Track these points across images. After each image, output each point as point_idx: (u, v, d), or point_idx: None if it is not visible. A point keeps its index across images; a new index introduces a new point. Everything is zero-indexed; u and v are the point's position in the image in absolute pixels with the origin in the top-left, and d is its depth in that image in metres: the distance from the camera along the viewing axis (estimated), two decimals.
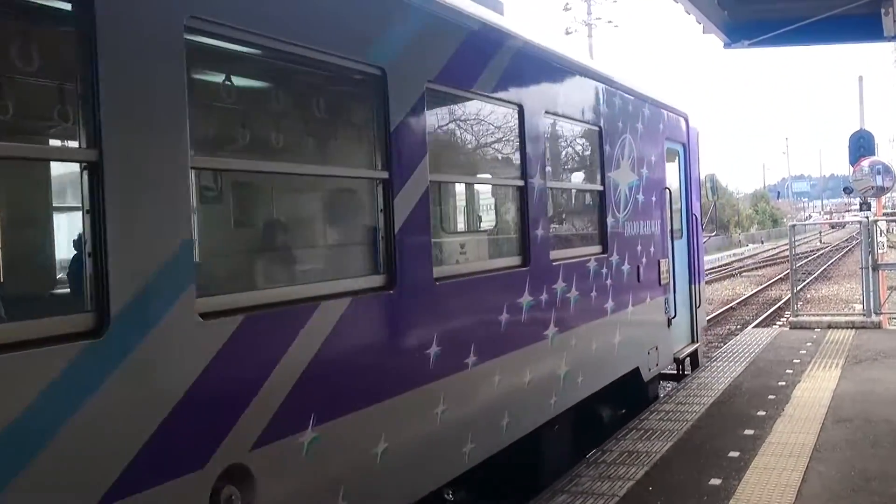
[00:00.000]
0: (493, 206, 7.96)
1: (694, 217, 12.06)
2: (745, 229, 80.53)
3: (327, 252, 5.70)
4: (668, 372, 11.39)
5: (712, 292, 28.83)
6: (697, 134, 12.52)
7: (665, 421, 8.66)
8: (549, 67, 7.69)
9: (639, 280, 9.40)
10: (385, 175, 5.08)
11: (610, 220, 8.68)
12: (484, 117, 7.02)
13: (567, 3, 45.35)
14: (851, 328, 14.73)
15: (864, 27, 10.21)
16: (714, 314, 22.25)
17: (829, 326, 14.96)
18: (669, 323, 10.61)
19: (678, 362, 11.58)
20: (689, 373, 11.74)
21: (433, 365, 5.51)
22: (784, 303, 22.83)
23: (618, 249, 8.80)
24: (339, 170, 5.47)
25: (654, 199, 10.14)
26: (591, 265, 8.18)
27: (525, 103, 6.93)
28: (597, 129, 8.63)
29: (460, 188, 7.80)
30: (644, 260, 9.58)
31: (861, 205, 18.46)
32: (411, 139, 5.32)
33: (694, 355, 12.11)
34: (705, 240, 13.48)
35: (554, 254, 7.38)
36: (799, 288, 17.59)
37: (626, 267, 9.06)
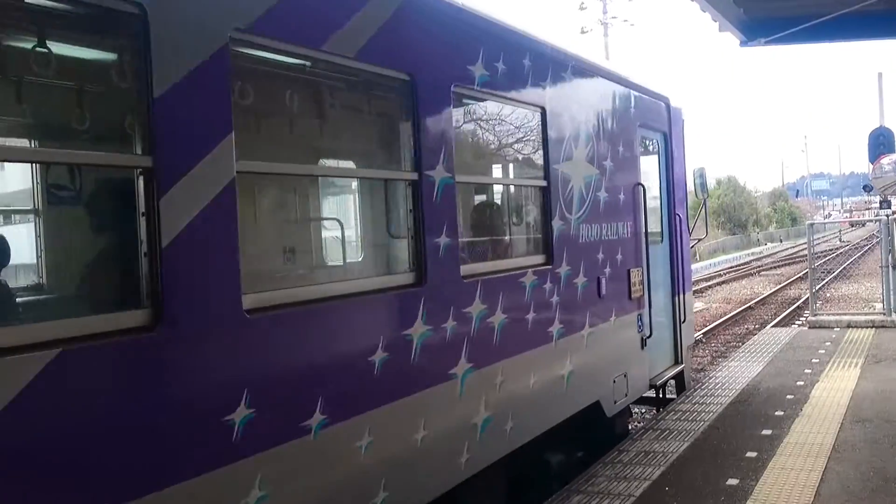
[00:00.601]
0: (366, 206, 6.31)
1: (678, 218, 10.25)
2: (763, 228, 79.94)
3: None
4: (648, 395, 9.64)
5: (730, 292, 28.68)
6: (683, 122, 10.58)
7: (682, 421, 8.63)
8: (461, 28, 5.78)
9: (600, 295, 7.71)
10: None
11: (557, 223, 6.95)
12: (361, 91, 5.56)
13: (583, 3, 45.19)
14: (871, 327, 14.59)
15: (882, 23, 10.12)
16: (732, 314, 22.12)
17: (849, 326, 14.83)
18: (644, 343, 8.80)
19: (658, 389, 9.63)
20: (675, 397, 10.09)
21: (240, 438, 3.81)
22: (803, 302, 22.65)
23: (569, 259, 7.09)
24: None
25: (622, 197, 8.37)
26: (527, 280, 6.47)
27: (419, 74, 5.23)
28: (538, 110, 6.86)
29: (322, 183, 6.36)
30: (608, 270, 7.87)
31: (881, 202, 18.29)
32: None
33: (679, 377, 10.30)
34: (692, 244, 11.62)
35: (468, 268, 5.75)
36: (818, 287, 17.42)
37: (581, 280, 7.35)
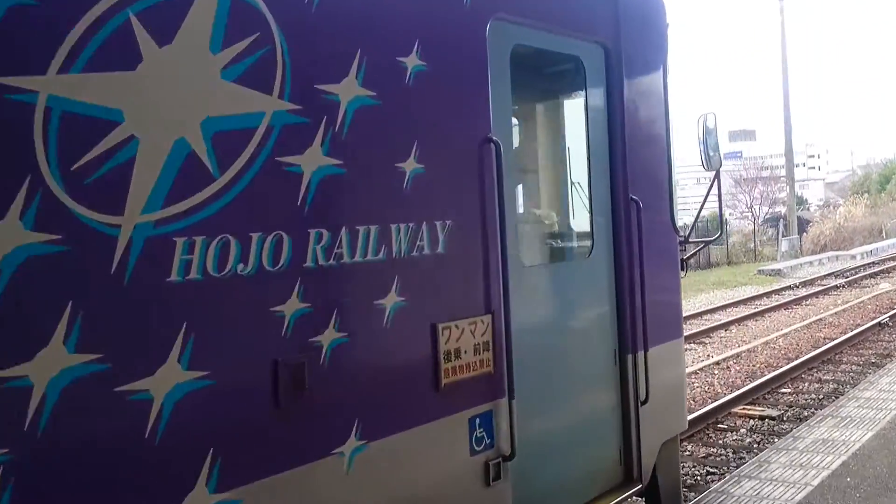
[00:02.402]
0: None
1: (635, 207, 5.23)
2: None
3: None
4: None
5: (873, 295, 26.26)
6: (665, 26, 5.78)
7: (864, 409, 7.99)
8: None
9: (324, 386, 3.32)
10: None
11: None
12: None
13: None
14: None
15: None
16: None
17: None
18: (496, 473, 4.19)
19: None
20: None
21: None
22: None
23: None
24: None
25: (417, 173, 3.78)
26: None
27: None
28: None
29: None
30: (339, 338, 3.37)
31: None
32: None
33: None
34: (688, 251, 6.59)
35: None
36: None
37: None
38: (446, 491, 3.95)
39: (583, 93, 5.18)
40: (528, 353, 4.49)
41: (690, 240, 6.43)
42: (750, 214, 55.83)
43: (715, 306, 21.02)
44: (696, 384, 12.19)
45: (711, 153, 5.88)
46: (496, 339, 4.17)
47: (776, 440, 8.73)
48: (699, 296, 24.32)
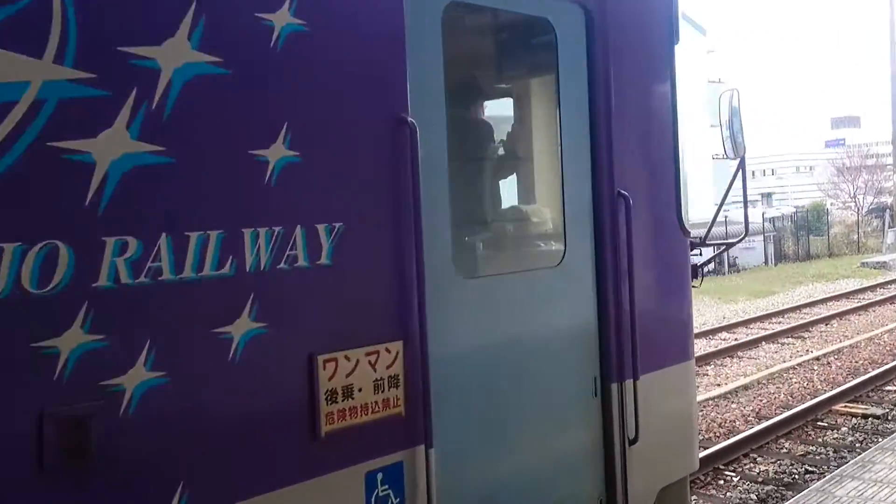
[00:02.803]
0: None
1: (623, 200, 4.25)
2: None
3: None
4: None
5: None
6: None
7: None
8: None
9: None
10: None
11: None
12: None
13: None
14: None
15: None
16: None
17: None
18: None
19: None
20: None
21: None
22: None
23: None
24: None
25: (287, 163, 2.90)
26: None
27: None
28: None
29: None
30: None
31: None
32: None
33: None
34: (705, 255, 5.34)
35: None
36: None
37: None
38: None
39: (555, 65, 4.14)
40: (466, 388, 3.61)
41: (709, 242, 5.19)
42: (853, 204, 53.04)
43: (815, 299, 20.93)
44: (794, 380, 12.13)
45: (737, 137, 4.78)
46: (409, 373, 3.26)
47: (880, 440, 8.46)
48: (798, 288, 24.29)
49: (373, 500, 3.19)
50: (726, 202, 5.73)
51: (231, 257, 2.75)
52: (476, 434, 3.66)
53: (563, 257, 4.17)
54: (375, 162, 3.20)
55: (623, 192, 4.24)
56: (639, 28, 4.51)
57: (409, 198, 3.25)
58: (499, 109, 4.93)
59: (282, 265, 2.88)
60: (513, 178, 4.90)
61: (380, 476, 3.21)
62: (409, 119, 3.25)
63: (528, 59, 4.68)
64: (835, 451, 8.81)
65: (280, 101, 2.89)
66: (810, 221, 40.38)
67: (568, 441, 4.20)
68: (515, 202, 4.85)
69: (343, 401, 3.06)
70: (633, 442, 4.27)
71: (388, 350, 3.22)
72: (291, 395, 2.93)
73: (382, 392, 3.20)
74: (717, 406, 10.66)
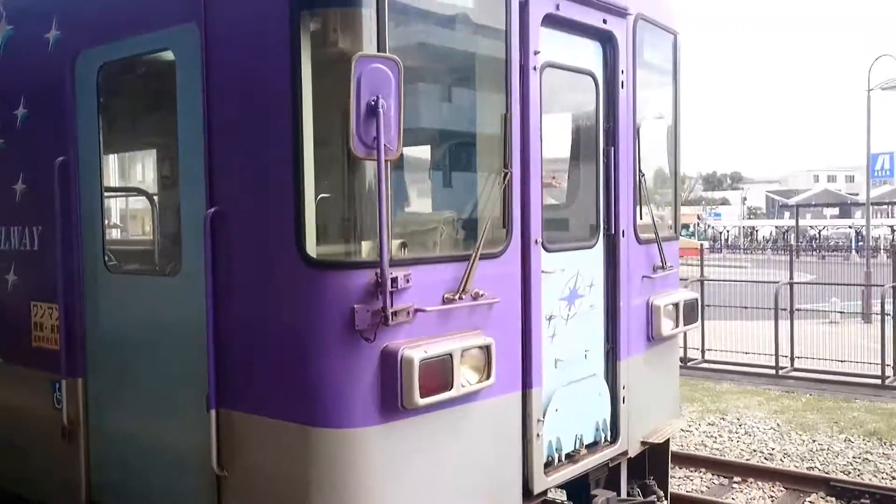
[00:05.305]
0: None
1: (219, 216, 4.31)
2: None
3: None
4: None
5: None
6: None
7: None
8: None
9: None
10: None
11: None
12: None
13: None
14: None
15: None
16: None
17: None
18: None
19: None
20: None
21: None
22: None
23: None
24: None
25: None
26: None
27: None
28: None
29: None
30: None
31: None
32: None
33: None
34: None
35: None
36: None
37: None
38: None
39: (176, 85, 4.49)
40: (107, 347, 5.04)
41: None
42: None
43: None
44: None
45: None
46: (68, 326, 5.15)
47: None
48: None
49: (54, 399, 5.16)
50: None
51: None
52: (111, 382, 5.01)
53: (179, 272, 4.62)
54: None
55: (220, 209, 4.26)
56: (244, 32, 4.21)
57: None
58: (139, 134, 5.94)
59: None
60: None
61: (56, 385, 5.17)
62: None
63: (167, 84, 4.64)
64: None
65: None
66: None
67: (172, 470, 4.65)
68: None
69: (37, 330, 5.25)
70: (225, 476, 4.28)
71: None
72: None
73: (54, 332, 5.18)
74: None
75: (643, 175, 5.69)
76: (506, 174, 4.47)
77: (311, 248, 3.95)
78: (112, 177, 5.17)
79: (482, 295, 4.32)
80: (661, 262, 5.85)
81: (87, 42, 4.95)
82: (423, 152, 4.91)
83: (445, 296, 4.16)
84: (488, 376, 4.29)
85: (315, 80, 3.89)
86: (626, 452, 5.62)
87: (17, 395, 5.66)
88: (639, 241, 5.67)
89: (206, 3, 4.26)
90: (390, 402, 3.92)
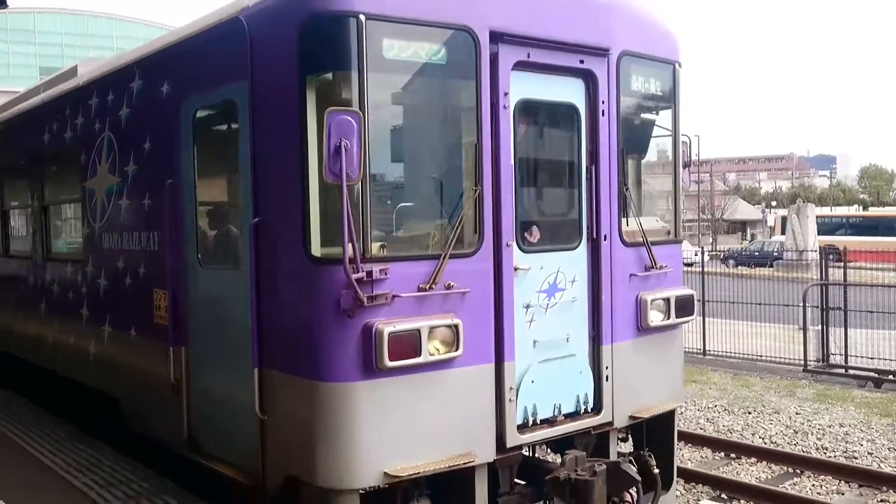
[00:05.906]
0: None
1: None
2: None
3: None
4: None
5: None
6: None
7: None
8: None
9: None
10: None
11: None
12: None
13: None
14: None
15: None
16: None
17: None
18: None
19: None
20: None
21: None
22: None
23: None
24: None
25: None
26: None
27: None
28: None
29: None
30: None
31: None
32: None
33: None
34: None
35: None
36: None
37: None
38: None
39: (238, 125, 6.21)
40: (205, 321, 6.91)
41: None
42: None
43: None
44: None
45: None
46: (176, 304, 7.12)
47: None
48: None
49: (168, 363, 7.03)
50: None
51: None
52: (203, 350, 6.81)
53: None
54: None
55: (261, 219, 6.07)
56: (272, 93, 5.80)
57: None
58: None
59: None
60: None
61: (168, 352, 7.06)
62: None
63: (231, 128, 6.73)
64: None
65: None
66: None
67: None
68: None
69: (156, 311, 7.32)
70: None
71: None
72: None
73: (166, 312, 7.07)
74: None
75: (628, 189, 6.67)
76: (476, 191, 5.71)
77: (315, 249, 5.45)
78: (203, 194, 6.91)
79: (453, 286, 5.59)
80: (652, 262, 6.79)
81: (187, 93, 6.83)
82: (407, 173, 6.14)
83: (420, 286, 5.48)
84: (457, 349, 5.55)
85: (319, 124, 5.24)
86: (611, 423, 6.61)
87: (144, 360, 7.67)
88: (625, 243, 6.64)
89: (252, 65, 5.92)
90: (369, 364, 5.33)
